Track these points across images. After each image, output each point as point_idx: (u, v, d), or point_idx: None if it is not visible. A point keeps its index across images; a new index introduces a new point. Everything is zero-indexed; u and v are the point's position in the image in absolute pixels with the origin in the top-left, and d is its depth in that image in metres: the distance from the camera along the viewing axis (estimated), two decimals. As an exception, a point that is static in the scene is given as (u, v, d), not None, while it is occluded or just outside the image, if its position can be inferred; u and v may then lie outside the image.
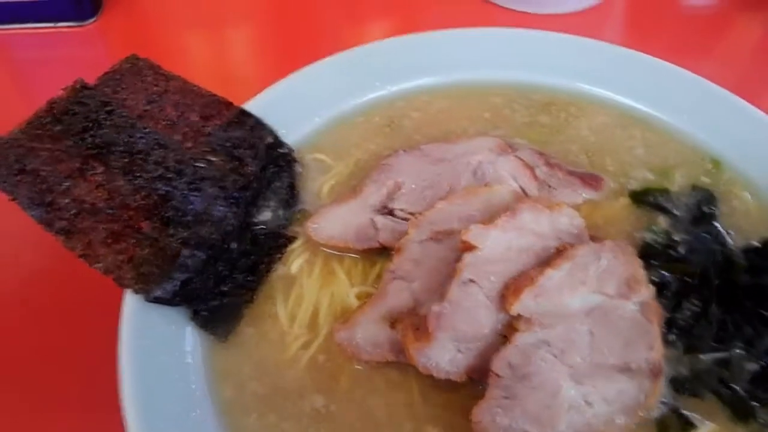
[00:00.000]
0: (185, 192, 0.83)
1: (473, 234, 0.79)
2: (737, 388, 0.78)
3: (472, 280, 0.77)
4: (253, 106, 0.96)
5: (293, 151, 0.96)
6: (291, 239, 0.89)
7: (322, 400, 0.77)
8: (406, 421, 0.76)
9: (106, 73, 0.91)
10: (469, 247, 0.79)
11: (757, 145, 0.99)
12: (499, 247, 0.79)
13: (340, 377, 0.78)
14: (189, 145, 0.89)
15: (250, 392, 0.77)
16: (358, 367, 0.79)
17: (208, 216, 0.83)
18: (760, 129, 1.00)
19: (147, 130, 0.87)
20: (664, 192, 0.97)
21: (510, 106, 1.08)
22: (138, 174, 0.82)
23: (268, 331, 0.82)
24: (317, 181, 0.96)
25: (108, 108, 0.86)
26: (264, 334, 0.81)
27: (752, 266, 0.88)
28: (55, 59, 1.26)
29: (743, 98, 1.03)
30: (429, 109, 1.07)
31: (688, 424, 0.76)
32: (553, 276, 0.77)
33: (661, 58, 1.09)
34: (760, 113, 1.01)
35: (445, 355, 0.75)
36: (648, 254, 0.89)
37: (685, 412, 0.76)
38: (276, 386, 0.78)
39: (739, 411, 0.77)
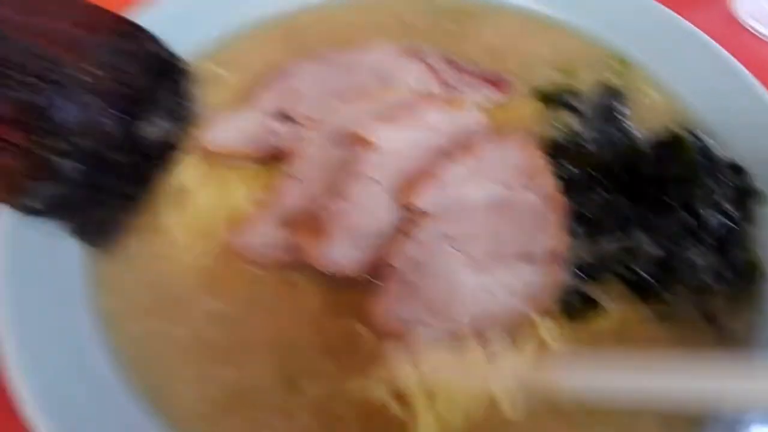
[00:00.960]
0: (63, 103, 0.78)
1: (371, 131, 0.76)
2: (641, 271, 0.79)
3: (370, 177, 0.75)
4: (142, 16, 0.90)
5: (184, 62, 0.90)
6: (182, 149, 0.84)
7: (217, 304, 0.74)
8: (305, 319, 0.73)
9: (-20, -17, 0.83)
10: (367, 144, 0.76)
11: (663, 41, 0.99)
12: (398, 144, 0.77)
13: (236, 282, 0.75)
14: (69, 57, 0.83)
15: (136, 302, 0.74)
16: (257, 272, 0.76)
17: (88, 127, 0.77)
18: (666, 25, 1.00)
19: (22, 42, 0.80)
20: (573, 91, 0.96)
21: (414, 13, 1.05)
22: (11, 84, 0.76)
23: (158, 243, 0.78)
24: (212, 93, 0.91)
25: (-20, 19, 0.79)
26: (154, 245, 0.77)
27: (658, 158, 0.88)
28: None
29: None
30: (332, 21, 1.02)
31: (592, 302, 0.75)
32: (454, 170, 0.75)
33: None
34: (665, 9, 1.00)
35: (342, 252, 0.72)
36: (556, 151, 0.87)
37: (587, 292, 0.76)
38: (166, 295, 0.74)
39: (643, 292, 0.78)
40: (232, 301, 0.74)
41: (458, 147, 0.78)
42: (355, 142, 0.76)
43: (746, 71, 0.93)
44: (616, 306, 0.76)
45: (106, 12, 0.88)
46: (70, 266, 0.74)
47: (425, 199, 0.73)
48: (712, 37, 1.12)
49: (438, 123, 0.80)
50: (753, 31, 1.15)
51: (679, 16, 1.00)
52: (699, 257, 0.79)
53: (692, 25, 0.98)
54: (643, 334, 0.75)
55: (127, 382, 0.68)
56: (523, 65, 0.99)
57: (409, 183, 0.75)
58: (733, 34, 1.16)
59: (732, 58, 0.94)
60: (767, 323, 0.75)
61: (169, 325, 0.72)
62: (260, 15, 1.02)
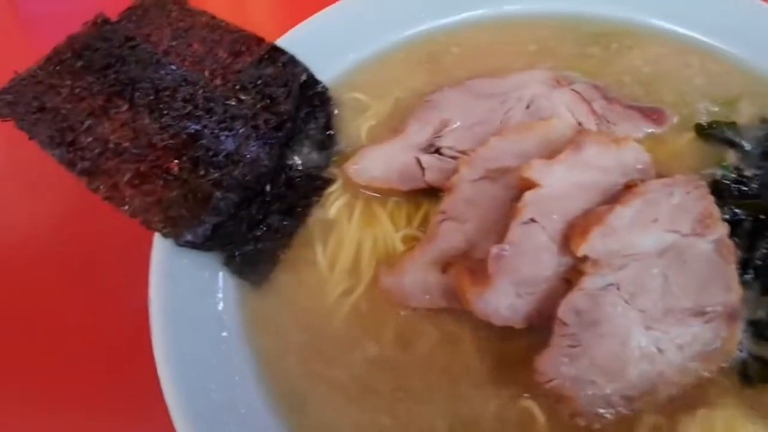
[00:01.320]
0: (215, 131, 0.78)
1: (534, 170, 0.72)
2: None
3: (533, 220, 0.70)
4: (286, 42, 0.89)
5: (328, 89, 0.89)
6: (329, 181, 0.83)
7: (374, 349, 0.72)
8: (457, 367, 0.71)
9: (128, 8, 0.85)
10: (529, 185, 0.72)
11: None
12: (561, 183, 0.72)
13: (386, 326, 0.73)
14: (218, 82, 0.83)
15: (290, 340, 0.73)
16: (405, 314, 0.73)
17: (240, 156, 0.77)
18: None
19: (173, 66, 0.81)
20: (732, 125, 0.89)
21: (557, 38, 1.00)
22: (165, 112, 0.77)
23: (306, 278, 0.76)
24: (355, 121, 0.89)
25: (132, 43, 0.80)
26: (302, 280, 0.76)
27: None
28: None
29: None
30: (471, 44, 0.99)
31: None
32: (622, 214, 0.70)
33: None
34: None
35: (504, 300, 0.68)
36: (718, 191, 0.81)
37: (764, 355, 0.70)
38: (318, 334, 0.73)
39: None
40: (389, 346, 0.71)
41: (624, 187, 0.73)
42: (513, 181, 0.72)
43: None
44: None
45: (252, 36, 0.88)
46: (224, 301, 0.74)
47: (593, 245, 0.68)
48: None
49: (602, 160, 0.74)
50: None
51: None
52: None
53: None
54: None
55: (282, 423, 0.67)
56: (678, 95, 0.92)
57: (575, 228, 0.70)
58: None
59: None
60: None
61: (324, 366, 0.70)
62: (397, 38, 0.99)
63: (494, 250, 0.68)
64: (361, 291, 0.74)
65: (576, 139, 0.75)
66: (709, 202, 0.74)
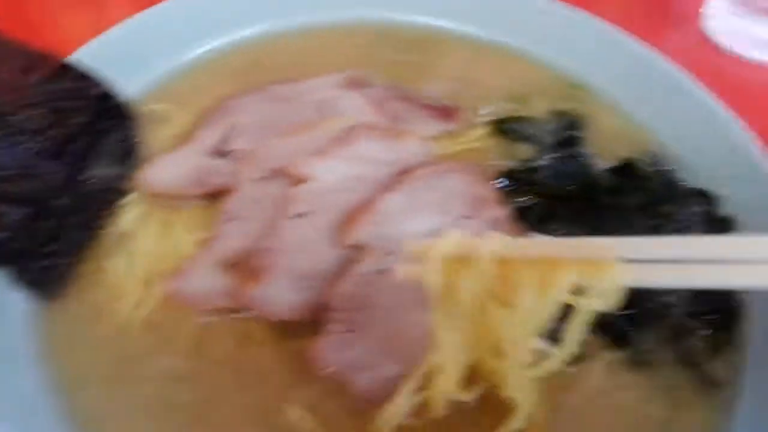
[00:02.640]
0: (1, 147, 0.76)
1: (304, 165, 0.74)
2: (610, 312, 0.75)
3: (305, 214, 0.72)
4: (84, 55, 0.88)
5: (127, 102, 0.89)
6: (125, 193, 0.82)
7: (171, 361, 0.71)
8: (255, 368, 0.70)
9: None
10: (299, 180, 0.74)
11: (619, 66, 0.97)
12: (334, 178, 0.75)
13: (180, 335, 0.72)
14: (5, 99, 0.81)
15: (86, 361, 0.70)
16: (199, 320, 0.73)
17: (29, 170, 0.76)
18: (621, 50, 0.98)
19: (-45, 84, 0.79)
20: (526, 119, 0.94)
21: (376, 44, 1.03)
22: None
23: (100, 292, 0.75)
24: (157, 132, 0.89)
25: None
26: (96, 295, 0.74)
27: (614, 186, 0.86)
28: None
29: (613, 22, 1.00)
30: (286, 53, 1.00)
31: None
32: (392, 200, 0.73)
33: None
34: (621, 35, 0.98)
35: (283, 295, 0.69)
36: (510, 179, 0.86)
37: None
38: (115, 352, 0.71)
39: (616, 337, 0.74)
40: (186, 356, 0.71)
41: (397, 176, 0.76)
42: (288, 177, 0.74)
43: (707, 93, 0.91)
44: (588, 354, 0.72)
45: (42, 53, 0.86)
46: (14, 321, 0.71)
47: (363, 233, 0.71)
48: (684, 58, 1.11)
49: (376, 154, 0.77)
50: (725, 50, 1.13)
51: (634, 39, 0.98)
52: (673, 296, 0.75)
53: (647, 47, 0.96)
54: (617, 382, 0.71)
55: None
56: (478, 95, 0.97)
57: (347, 218, 0.72)
58: (705, 53, 1.15)
59: (691, 79, 0.92)
60: (748, 364, 0.71)
61: (123, 385, 0.68)
62: (206, 48, 1.00)
63: (266, 245, 0.69)
64: (154, 302, 0.73)
65: (349, 133, 0.77)
66: (483, 184, 0.78)
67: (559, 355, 0.59)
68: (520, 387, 0.62)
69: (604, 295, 0.53)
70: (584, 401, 0.69)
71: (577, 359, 0.68)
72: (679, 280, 0.51)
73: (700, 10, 1.18)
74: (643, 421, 0.68)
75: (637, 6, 1.28)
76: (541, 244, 0.53)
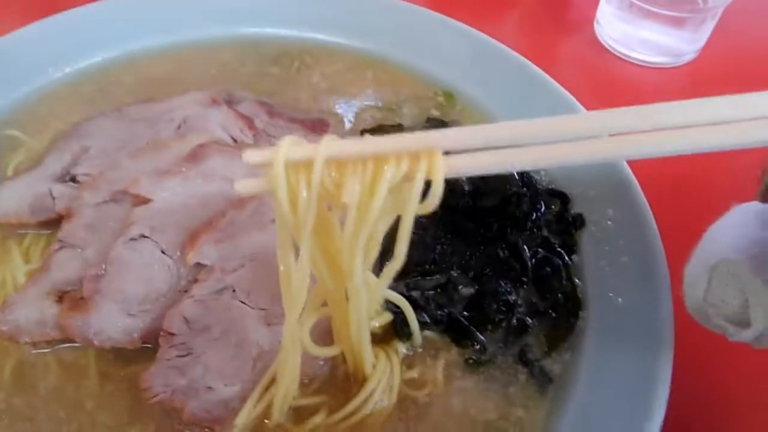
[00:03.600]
0: None
1: (143, 185, 0.71)
2: (454, 311, 0.74)
3: (143, 236, 0.69)
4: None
5: (-27, 129, 0.85)
6: (-41, 224, 0.77)
7: (-5, 396, 0.66)
8: (86, 400, 0.66)
9: None
10: (141, 201, 0.71)
11: (487, 72, 0.97)
12: (178, 196, 0.72)
13: (4, 367, 0.68)
14: None
15: None
16: (29, 351, 0.69)
17: None
18: (489, 55, 0.98)
19: None
20: (397, 127, 0.93)
21: (239, 60, 1.01)
22: None
23: None
24: (5, 159, 0.85)
25: None
26: None
27: (474, 190, 0.85)
28: None
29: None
30: (147, 74, 0.98)
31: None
32: (236, 217, 0.70)
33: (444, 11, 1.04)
34: (487, 38, 0.98)
35: (112, 322, 0.66)
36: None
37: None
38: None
39: (459, 335, 0.73)
40: (10, 390, 0.66)
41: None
42: (128, 198, 0.71)
43: (564, 91, 0.91)
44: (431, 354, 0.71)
45: None
46: None
47: (204, 251, 0.68)
48: (579, 62, 1.14)
49: (227, 171, 0.75)
50: (615, 53, 1.16)
51: (496, 41, 0.98)
52: (514, 293, 0.75)
53: (510, 49, 0.97)
54: (455, 382, 0.70)
55: None
56: (347, 105, 0.96)
57: (189, 237, 0.69)
58: (598, 57, 1.18)
59: (548, 77, 0.93)
60: (583, 363, 0.70)
61: None
62: (62, 72, 0.96)
63: (91, 271, 0.66)
64: (-24, 335, 0.69)
65: (194, 150, 0.75)
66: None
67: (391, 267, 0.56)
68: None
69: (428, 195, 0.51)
70: (422, 402, 0.68)
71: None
72: (498, 165, 0.51)
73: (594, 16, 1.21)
74: (476, 420, 0.67)
75: (534, 14, 1.30)
76: (370, 142, 0.51)
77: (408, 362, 0.70)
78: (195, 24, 1.02)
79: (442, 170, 0.50)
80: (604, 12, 1.19)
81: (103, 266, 0.66)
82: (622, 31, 1.15)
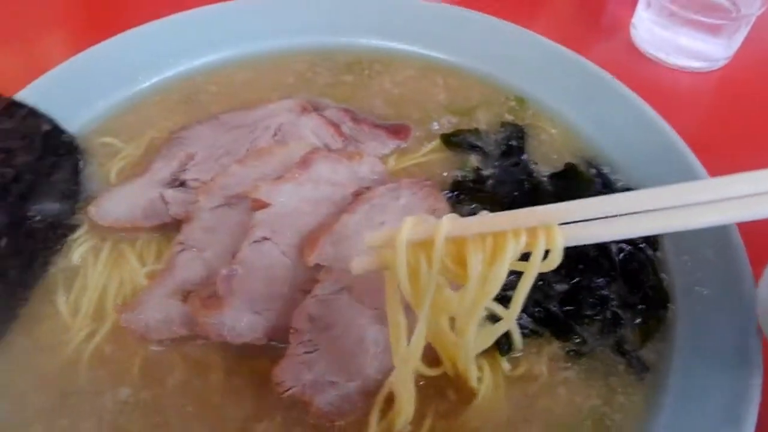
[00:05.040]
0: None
1: (263, 190, 0.75)
2: (551, 307, 0.78)
3: (266, 238, 0.73)
4: (29, 93, 0.88)
5: (75, 138, 0.88)
6: (73, 228, 0.81)
7: (124, 391, 0.70)
8: (213, 395, 0.70)
9: None
10: (260, 205, 0.75)
11: (558, 78, 1.01)
12: (293, 201, 0.76)
13: (132, 364, 0.71)
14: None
15: (32, 402, 0.68)
16: (155, 349, 0.72)
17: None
18: (561, 63, 1.02)
19: None
20: (474, 131, 0.97)
21: (313, 69, 1.05)
22: None
23: (46, 331, 0.73)
24: (105, 165, 0.88)
25: None
26: (42, 334, 0.73)
27: (557, 190, 0.89)
28: None
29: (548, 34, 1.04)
30: (229, 82, 1.02)
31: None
32: (349, 221, 0.74)
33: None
34: (560, 47, 1.03)
35: (241, 319, 0.69)
36: (459, 189, 0.88)
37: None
38: (63, 388, 0.69)
39: (559, 329, 0.77)
40: (139, 384, 0.70)
41: (353, 196, 0.78)
42: (248, 203, 0.74)
43: (637, 97, 0.95)
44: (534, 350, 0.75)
45: (-13, 94, 0.85)
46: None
47: (323, 254, 0.72)
48: (614, 66, 1.17)
49: (334, 176, 0.79)
50: (650, 57, 1.20)
51: (567, 49, 1.02)
52: (605, 288, 0.79)
53: (580, 56, 1.01)
54: (555, 375, 0.74)
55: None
56: (424, 111, 1.00)
57: (307, 240, 0.73)
58: (634, 61, 1.22)
59: (623, 85, 0.97)
60: (676, 351, 0.74)
61: (72, 422, 0.67)
62: (152, 81, 1.00)
63: (223, 271, 0.70)
64: (104, 333, 0.72)
65: (304, 157, 0.78)
66: (437, 199, 0.81)
67: (507, 317, 0.62)
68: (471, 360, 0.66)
69: (548, 258, 0.56)
70: (531, 393, 0.72)
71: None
72: (613, 232, 0.55)
73: (631, 21, 1.25)
74: (582, 406, 0.71)
75: (570, 19, 1.35)
76: (488, 219, 0.56)
77: (513, 362, 0.74)
78: (271, 35, 1.06)
79: (560, 243, 0.54)
80: (641, 18, 1.23)
81: (236, 266, 0.69)
82: (660, 37, 1.19)
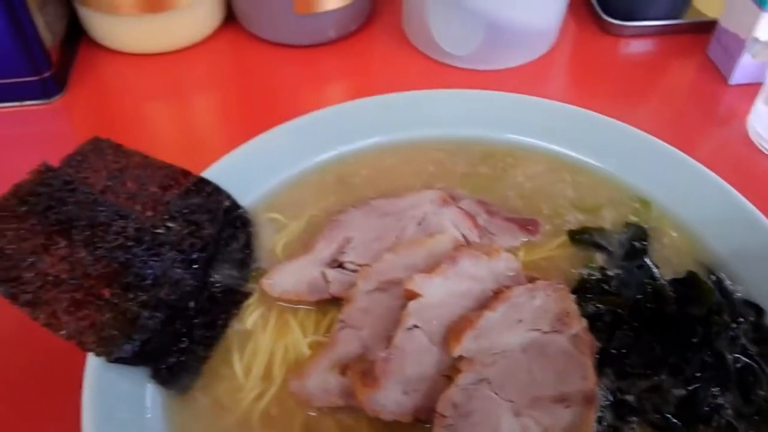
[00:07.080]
0: (144, 258, 0.88)
1: (416, 282, 0.85)
2: (667, 414, 0.84)
3: (416, 326, 0.83)
4: (213, 172, 1.02)
5: (248, 212, 1.02)
6: (247, 295, 0.94)
7: (281, 447, 0.81)
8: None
9: (69, 155, 0.97)
10: (412, 295, 0.85)
11: (682, 185, 1.07)
12: (440, 293, 0.86)
13: (294, 426, 0.82)
14: (149, 214, 0.95)
15: None
16: (312, 414, 0.83)
17: (166, 279, 0.88)
18: (685, 170, 1.08)
19: (108, 203, 0.92)
20: (600, 230, 1.04)
21: (452, 159, 1.15)
22: (99, 245, 0.87)
23: (224, 386, 0.86)
24: (272, 239, 1.02)
25: (71, 186, 0.91)
26: (221, 388, 0.86)
27: (678, 297, 0.95)
28: (22, 136, 1.31)
29: (673, 142, 1.10)
30: (377, 166, 1.14)
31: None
32: (490, 317, 0.83)
33: (600, 104, 1.18)
34: (684, 156, 1.09)
35: (392, 398, 0.79)
36: (583, 289, 0.95)
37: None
38: (236, 439, 0.82)
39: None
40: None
41: (493, 293, 0.87)
42: (398, 289, 0.85)
43: (756, 211, 1.00)
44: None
45: (180, 170, 1.01)
46: (151, 411, 0.83)
47: (466, 346, 0.81)
48: (730, 161, 1.21)
49: (476, 271, 0.88)
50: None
51: (691, 158, 1.08)
52: (721, 397, 0.85)
53: (704, 167, 1.07)
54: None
55: None
56: (552, 206, 1.08)
57: (451, 331, 0.83)
58: (750, 156, 1.25)
59: (741, 196, 1.02)
60: None
61: None
62: (311, 163, 1.13)
63: (382, 354, 0.80)
64: (271, 395, 0.84)
65: (452, 254, 0.89)
66: (568, 302, 0.88)
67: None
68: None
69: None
70: None
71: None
72: None
73: (748, 114, 1.29)
74: None
75: (685, 111, 1.40)
76: None
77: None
78: (415, 125, 1.18)
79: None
80: (759, 112, 1.26)
81: (392, 351, 0.80)
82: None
